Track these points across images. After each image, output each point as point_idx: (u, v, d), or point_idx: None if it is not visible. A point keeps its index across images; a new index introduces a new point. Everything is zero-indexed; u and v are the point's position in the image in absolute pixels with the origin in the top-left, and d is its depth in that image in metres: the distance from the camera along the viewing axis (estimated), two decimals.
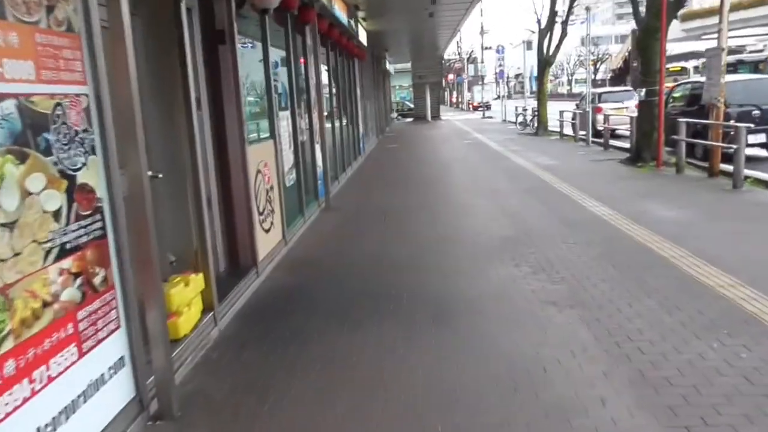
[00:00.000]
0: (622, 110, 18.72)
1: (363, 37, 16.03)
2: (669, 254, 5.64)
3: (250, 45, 6.11)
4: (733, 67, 33.32)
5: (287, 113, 7.24)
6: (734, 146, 8.85)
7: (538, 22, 21.87)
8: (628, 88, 20.56)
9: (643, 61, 11.88)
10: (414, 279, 5.35)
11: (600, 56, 69.53)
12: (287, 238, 6.74)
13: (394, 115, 39.30)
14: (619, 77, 61.28)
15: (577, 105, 21.31)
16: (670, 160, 11.44)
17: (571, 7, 20.24)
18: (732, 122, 9.55)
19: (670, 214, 7.36)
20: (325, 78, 11.10)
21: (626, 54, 59.52)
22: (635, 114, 18.85)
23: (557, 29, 21.59)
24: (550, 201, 8.65)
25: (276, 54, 7.09)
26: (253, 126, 6.03)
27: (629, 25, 63.90)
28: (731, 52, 47.23)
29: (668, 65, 45.72)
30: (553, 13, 20.98)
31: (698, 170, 10.81)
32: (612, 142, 16.17)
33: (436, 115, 39.11)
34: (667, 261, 5.45)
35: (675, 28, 50.24)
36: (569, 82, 76.43)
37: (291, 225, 7.19)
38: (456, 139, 21.86)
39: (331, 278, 5.59)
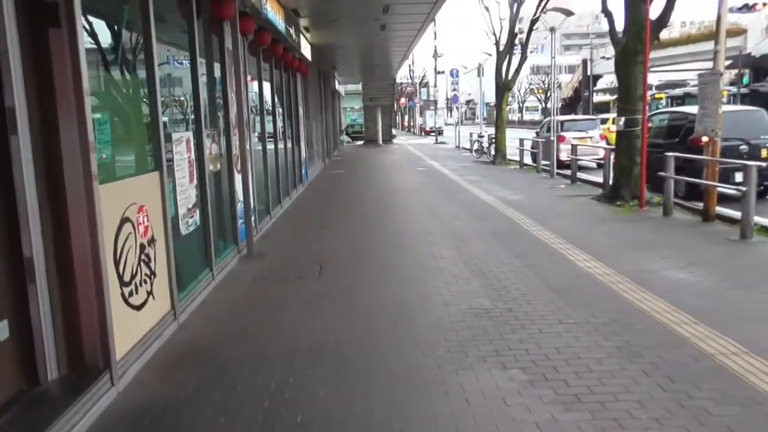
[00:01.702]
0: (585, 140, 17.56)
1: (306, 50, 14.27)
2: (716, 349, 3.99)
3: (112, 35, 4.21)
4: (681, 99, 33.30)
5: (187, 135, 5.33)
6: (742, 188, 7.42)
7: (497, 44, 20.65)
8: (592, 116, 19.46)
9: (622, 87, 10.52)
10: (347, 399, 3.50)
11: (549, 85, 70.05)
12: (179, 311, 4.79)
13: (344, 138, 37.63)
14: (569, 106, 61.68)
15: (537, 133, 20.09)
16: (653, 199, 10.06)
17: (531, 29, 19.07)
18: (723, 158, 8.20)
19: (682, 277, 5.77)
20: (256, 93, 9.24)
21: (576, 83, 60.16)
22: (599, 144, 17.88)
23: (515, 52, 20.47)
24: (527, 251, 6.98)
25: (170, 54, 5.22)
26: (118, 153, 4.10)
27: (577, 56, 64.79)
28: (677, 85, 47.77)
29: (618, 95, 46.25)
30: (512, 35, 19.79)
31: (687, 212, 9.41)
32: (565, 172, 14.89)
33: (387, 139, 37.66)
34: (718, 362, 3.79)
35: None
36: (520, 110, 76.81)
37: (187, 289, 5.24)
38: (409, 166, 20.25)
39: (226, 389, 3.67)
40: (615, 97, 47.94)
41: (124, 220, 3.90)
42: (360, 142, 38.01)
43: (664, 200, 9.28)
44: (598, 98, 54.85)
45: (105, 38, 4.06)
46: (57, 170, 3.44)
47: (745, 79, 32.74)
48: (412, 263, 6.63)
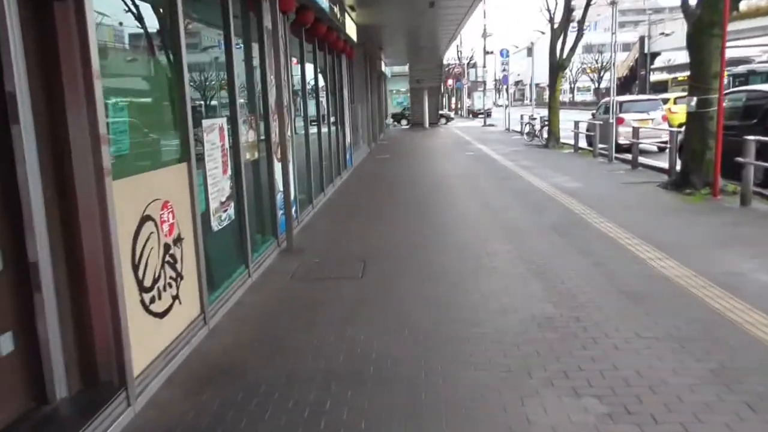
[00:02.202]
0: (647, 121, 16.48)
1: (352, 30, 13.72)
2: None
3: (129, 9, 3.77)
4: (744, 78, 31.22)
5: (220, 122, 4.89)
6: None
7: (551, 21, 19.62)
8: (654, 96, 18.28)
9: (694, 63, 9.58)
10: (399, 425, 3.01)
11: (604, 64, 67.42)
12: (209, 315, 4.39)
13: (390, 121, 37.03)
14: (624, 86, 59.12)
15: (593, 115, 19.03)
16: (726, 187, 9.16)
17: (588, 3, 17.96)
18: None
19: None
20: (298, 76, 8.78)
21: (632, 62, 57.59)
22: (661, 126, 16.71)
23: (571, 29, 19.38)
24: (591, 248, 6.32)
25: (198, 32, 4.78)
26: (138, 144, 3.68)
27: (633, 33, 61.99)
28: (740, 62, 45.17)
29: (678, 75, 43.89)
30: (568, 12, 18.72)
31: None
32: (626, 156, 13.96)
33: (434, 122, 36.88)
34: None
35: (681, 36, 48.16)
36: (572, 90, 74.29)
37: (220, 290, 4.84)
38: (456, 151, 19.55)
39: (254, 415, 3.22)
40: (673, 76, 45.75)
41: (145, 218, 3.49)
42: (405, 126, 37.37)
43: (743, 188, 8.40)
44: (655, 77, 52.32)
45: (120, 12, 3.62)
46: (65, 164, 3.04)
47: None
48: (464, 261, 6.06)
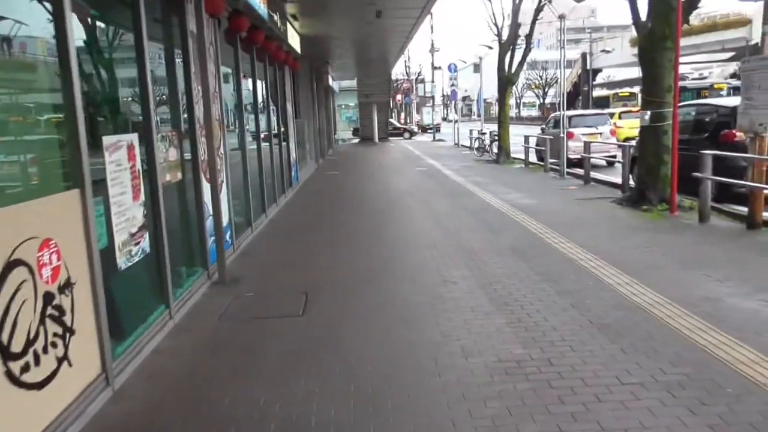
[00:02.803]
0: (595, 136, 16.40)
1: (295, 41, 13.06)
2: None
3: None
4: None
5: (128, 139, 4.14)
6: None
7: (499, 35, 19.47)
8: (602, 111, 18.31)
9: (647, 77, 9.36)
10: None
11: (548, 80, 68.89)
12: (113, 374, 3.61)
13: (338, 136, 36.43)
14: (568, 101, 60.22)
15: (542, 129, 18.93)
16: (682, 203, 8.91)
17: (535, 18, 17.89)
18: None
19: (754, 307, 4.61)
20: (234, 88, 8.06)
21: (575, 78, 58.89)
22: (610, 141, 16.65)
23: (519, 45, 19.27)
24: (554, 273, 5.82)
25: (96, 31, 4.04)
26: (6, 167, 2.92)
27: (574, 51, 63.58)
28: None
29: (618, 90, 45.02)
30: (515, 27, 18.61)
31: (726, 217, 8.27)
32: (578, 171, 13.80)
33: (383, 137, 36.48)
34: None
35: (626, 52, 49.57)
36: (518, 106, 75.53)
37: (130, 339, 4.06)
38: (407, 166, 19.07)
39: None
40: (614, 92, 46.96)
41: (13, 263, 2.72)
42: (355, 140, 36.85)
43: (701, 204, 8.13)
44: (597, 93, 53.63)
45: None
46: None
47: None
48: (418, 291, 5.45)
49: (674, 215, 8.60)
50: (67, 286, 3.16)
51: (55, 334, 3.03)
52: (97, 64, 4.06)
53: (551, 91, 69.57)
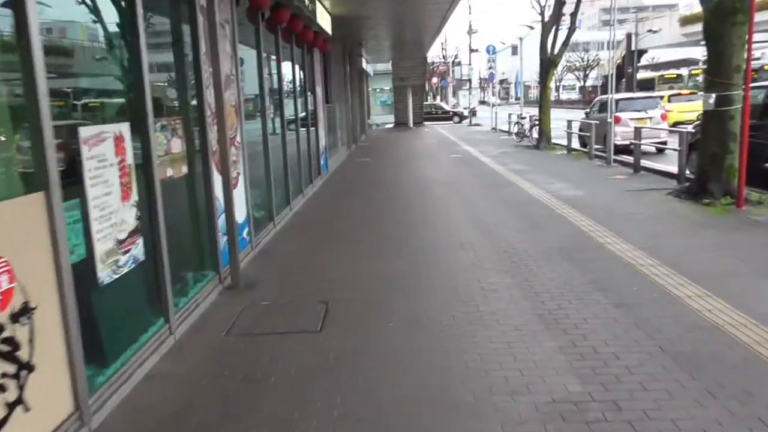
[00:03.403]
0: (645, 121, 15.32)
1: (326, 22, 12.37)
2: None
3: None
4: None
5: (116, 129, 3.54)
6: None
7: (542, 14, 18.41)
8: (652, 94, 17.15)
9: (713, 56, 8.36)
10: None
11: (589, 62, 66.62)
12: (92, 411, 3.05)
13: (372, 120, 35.69)
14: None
15: (586, 114, 17.87)
16: (750, 196, 7.98)
17: None
18: None
19: None
20: (253, 71, 7.45)
21: (619, 59, 56.66)
22: (661, 126, 15.51)
23: (562, 24, 18.18)
24: (611, 282, 5.05)
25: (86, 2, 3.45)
26: None
27: (618, 31, 61.11)
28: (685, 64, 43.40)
29: (663, 72, 43.01)
30: (559, 4, 17.52)
31: None
32: (626, 158, 12.85)
33: (418, 121, 35.61)
34: None
35: (675, 32, 47.34)
36: (557, 89, 73.36)
37: (114, 366, 3.49)
38: (442, 152, 18.27)
39: None
40: (660, 74, 44.96)
41: None
42: (389, 125, 36.08)
43: None
44: (641, 75, 51.51)
45: None
46: None
47: None
48: (453, 302, 4.76)
49: (741, 210, 7.68)
50: (23, 314, 2.59)
51: (4, 375, 2.46)
52: (71, 37, 3.47)
53: (592, 74, 67.33)
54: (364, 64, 26.94)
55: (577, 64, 67.44)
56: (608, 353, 3.67)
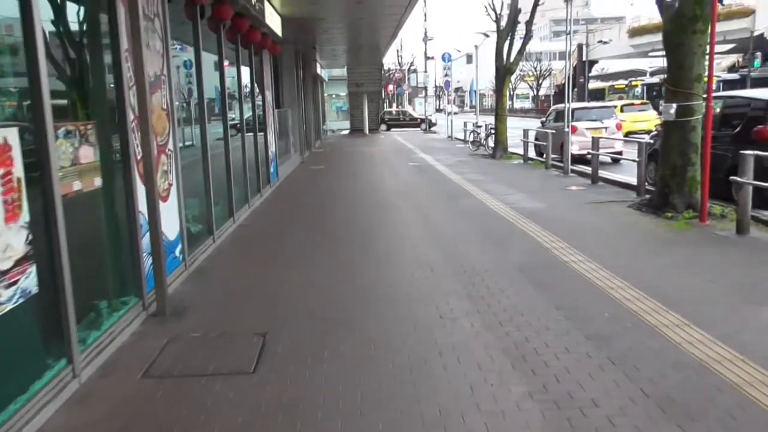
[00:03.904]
0: (600, 130, 15.22)
1: (274, 22, 11.75)
2: None
3: None
4: (659, 89, 30.50)
5: (1, 135, 2.89)
6: None
7: (497, 22, 18.20)
8: (607, 104, 17.13)
9: (673, 65, 8.14)
10: None
11: (541, 72, 67.63)
12: None
13: (328, 126, 35.04)
14: (562, 93, 59.00)
15: (542, 123, 17.74)
16: (712, 209, 7.76)
17: (536, 3, 16.64)
18: None
19: None
20: (192, 72, 6.80)
21: (571, 70, 57.69)
22: (616, 136, 15.43)
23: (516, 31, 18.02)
24: (581, 307, 4.63)
25: None
26: None
27: (566, 43, 62.28)
28: (654, 73, 44.36)
29: (613, 82, 43.88)
30: (515, 12, 17.36)
31: (766, 228, 7.13)
32: (583, 168, 12.69)
33: (374, 128, 35.18)
34: None
35: (623, 43, 48.39)
36: (510, 98, 74.18)
37: None
38: (399, 160, 17.83)
39: None
40: (610, 84, 45.86)
41: None
42: (345, 132, 35.53)
43: (740, 214, 6.97)
44: (592, 85, 52.55)
45: None
46: None
47: (757, 63, 30.51)
48: (408, 332, 4.24)
49: (705, 225, 7.44)
50: None
51: None
52: None
53: (545, 83, 68.37)
54: (318, 69, 26.34)
55: (530, 74, 68.38)
56: (584, 399, 3.20)
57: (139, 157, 4.64)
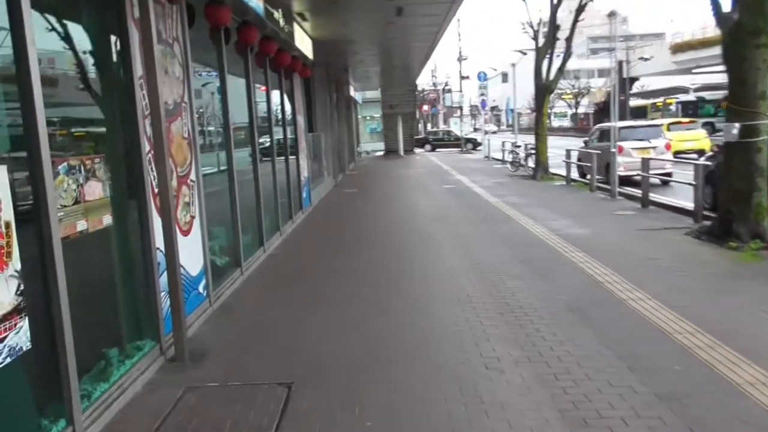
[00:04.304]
0: (648, 150, 14.50)
1: (305, 44, 11.53)
2: None
3: None
4: (693, 107, 29.48)
5: None
6: None
7: (535, 38, 17.71)
8: (655, 122, 16.39)
9: (735, 81, 7.50)
10: None
11: (580, 89, 66.49)
12: None
13: (362, 148, 34.89)
14: (603, 111, 57.81)
15: (585, 142, 17.07)
16: None
17: (576, 19, 16.12)
18: None
19: None
20: (218, 98, 6.53)
21: (610, 87, 56.42)
22: (665, 156, 14.61)
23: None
24: (645, 355, 4.07)
25: None
26: None
27: (609, 59, 61.21)
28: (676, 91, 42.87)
29: (656, 100, 42.65)
30: (554, 28, 16.84)
31: None
32: (631, 191, 12.06)
33: (409, 149, 34.85)
34: None
35: (665, 59, 47.18)
36: (549, 116, 73.17)
37: None
38: (433, 182, 17.38)
39: None
40: (652, 101, 44.68)
41: None
42: (379, 153, 35.30)
43: None
44: (633, 103, 51.36)
45: None
46: None
47: None
48: (449, 387, 3.74)
49: None
50: None
51: None
52: None
53: (584, 101, 67.14)
54: (351, 92, 26.21)
55: (568, 92, 67.30)
56: None
57: (156, 191, 4.30)
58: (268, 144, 9.03)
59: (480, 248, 7.91)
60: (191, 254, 5.07)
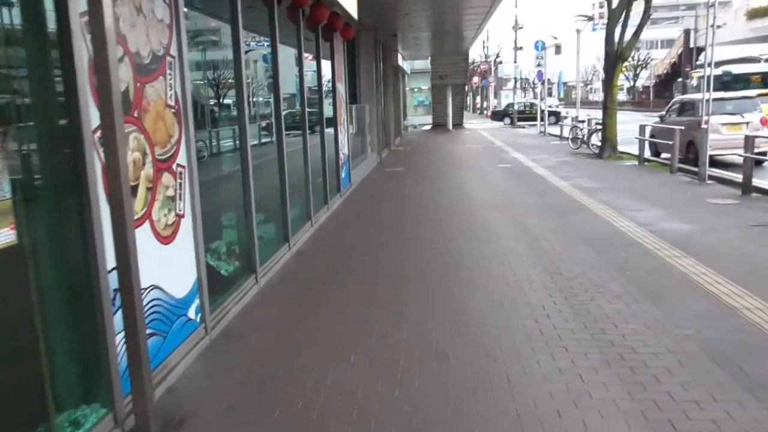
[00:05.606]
0: (739, 126, 12.47)
1: (350, 2, 9.96)
2: None
3: None
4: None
5: None
6: None
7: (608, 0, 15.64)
8: (749, 94, 14.22)
9: None
10: None
11: (639, 62, 62.51)
12: None
13: (409, 122, 33.17)
14: (663, 83, 54.21)
15: (661, 117, 15.05)
16: None
17: None
18: None
19: None
20: (230, 56, 5.11)
21: (674, 58, 52.57)
22: (762, 132, 12.40)
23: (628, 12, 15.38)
24: None
25: None
26: None
27: (675, 28, 57.08)
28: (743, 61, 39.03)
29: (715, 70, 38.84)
30: None
31: None
32: (723, 173, 10.25)
33: (458, 123, 32.99)
34: None
35: (739, 26, 43.36)
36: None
37: None
38: (487, 160, 15.69)
39: None
40: (722, 70, 40.99)
41: None
42: (426, 127, 33.57)
43: None
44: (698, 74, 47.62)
45: None
46: None
47: None
48: None
49: None
50: None
51: None
52: None
53: (643, 74, 63.20)
54: (400, 60, 24.52)
55: (627, 64, 63.47)
56: None
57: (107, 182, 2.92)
58: (298, 116, 7.61)
59: (556, 249, 6.33)
60: (176, 268, 3.72)
